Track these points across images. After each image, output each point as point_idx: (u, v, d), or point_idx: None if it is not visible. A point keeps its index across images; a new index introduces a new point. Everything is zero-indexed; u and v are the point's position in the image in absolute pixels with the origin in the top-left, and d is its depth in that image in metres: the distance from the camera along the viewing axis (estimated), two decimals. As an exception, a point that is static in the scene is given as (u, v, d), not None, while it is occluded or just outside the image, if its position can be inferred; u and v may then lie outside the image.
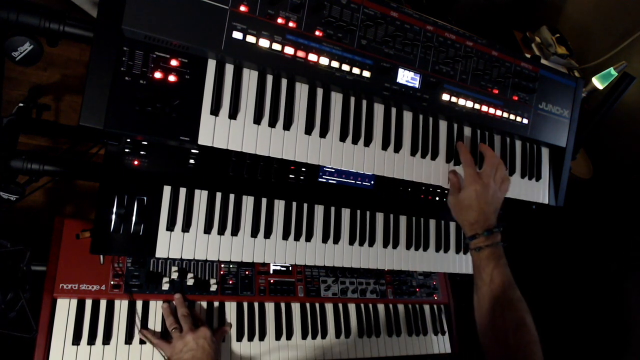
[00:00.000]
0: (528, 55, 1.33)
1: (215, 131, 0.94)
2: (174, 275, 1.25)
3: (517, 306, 1.02)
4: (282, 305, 1.38)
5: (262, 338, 1.32)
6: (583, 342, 2.42)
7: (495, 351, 1.00)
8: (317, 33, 1.00)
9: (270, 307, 1.36)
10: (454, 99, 1.17)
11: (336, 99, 1.08)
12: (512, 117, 1.27)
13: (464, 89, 1.19)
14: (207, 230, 1.09)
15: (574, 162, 1.54)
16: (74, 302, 1.16)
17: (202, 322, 1.23)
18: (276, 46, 0.96)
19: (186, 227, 1.07)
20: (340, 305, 1.47)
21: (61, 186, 2.03)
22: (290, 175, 1.23)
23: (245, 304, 1.33)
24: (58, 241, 1.18)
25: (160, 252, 1.04)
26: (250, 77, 0.99)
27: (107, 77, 0.85)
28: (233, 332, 1.29)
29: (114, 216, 1.02)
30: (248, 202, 1.16)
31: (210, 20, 0.89)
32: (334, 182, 1.29)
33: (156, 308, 1.23)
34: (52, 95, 2.09)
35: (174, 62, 0.91)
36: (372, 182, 1.34)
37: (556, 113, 1.35)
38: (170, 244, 1.06)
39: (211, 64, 0.95)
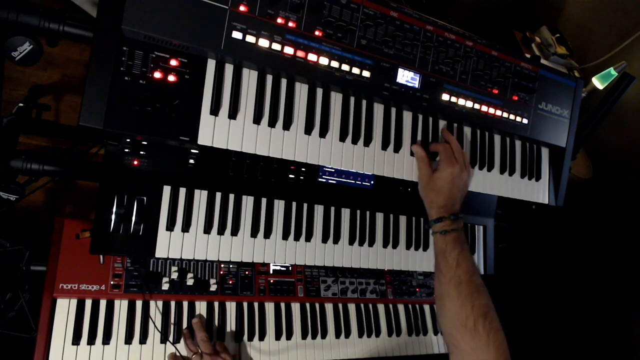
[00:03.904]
0: (528, 55, 1.33)
1: (215, 131, 0.94)
2: (174, 275, 1.25)
3: (483, 293, 1.01)
4: (282, 305, 1.38)
5: (261, 338, 1.31)
6: (582, 342, 2.42)
7: (462, 340, 0.97)
8: (316, 33, 1.00)
9: (270, 307, 1.36)
10: (453, 99, 1.17)
11: (336, 99, 1.08)
12: (512, 117, 1.27)
13: (463, 89, 1.18)
14: (207, 230, 1.09)
15: (574, 162, 1.54)
16: (74, 302, 1.16)
17: (222, 347, 1.23)
18: (276, 46, 0.96)
19: (186, 227, 1.07)
20: (340, 305, 1.46)
21: (61, 186, 2.03)
22: (290, 175, 1.23)
23: (245, 304, 1.33)
24: (58, 241, 1.18)
25: (160, 252, 1.04)
26: (250, 77, 0.99)
27: (106, 77, 0.85)
28: (233, 332, 1.29)
29: (113, 216, 1.02)
30: (248, 202, 1.16)
31: (210, 20, 0.89)
32: (334, 182, 1.29)
33: (156, 308, 1.23)
34: (52, 95, 2.09)
35: (173, 62, 0.91)
36: (372, 182, 1.34)
37: (556, 113, 1.35)
38: (170, 244, 1.06)
39: (211, 64, 0.95)
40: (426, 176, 1.13)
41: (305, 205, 1.23)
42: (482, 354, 0.94)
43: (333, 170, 1.28)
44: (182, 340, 1.22)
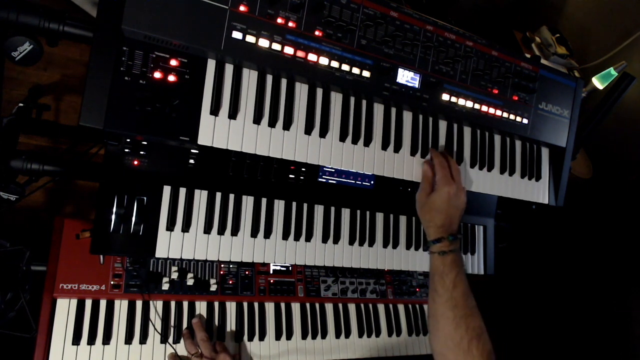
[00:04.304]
0: (528, 55, 1.33)
1: (215, 131, 0.94)
2: (174, 275, 1.25)
3: (477, 314, 1.02)
4: (282, 305, 1.38)
5: (262, 338, 1.31)
6: (582, 342, 2.42)
7: None
8: (316, 33, 1.00)
9: (270, 307, 1.36)
10: (453, 99, 1.17)
11: (336, 99, 1.08)
12: (512, 117, 1.27)
13: (463, 89, 1.18)
14: (207, 230, 1.09)
15: (574, 162, 1.54)
16: (74, 302, 1.16)
17: (222, 347, 1.23)
18: (276, 46, 0.96)
19: (186, 227, 1.07)
20: (340, 305, 1.47)
21: (61, 186, 2.03)
22: (290, 175, 1.23)
23: (245, 304, 1.33)
24: (58, 241, 1.18)
25: (160, 252, 1.04)
26: (250, 77, 0.99)
27: (107, 77, 0.85)
28: (233, 332, 1.29)
29: (113, 216, 1.02)
30: (248, 202, 1.16)
31: (210, 20, 0.89)
32: (334, 182, 1.29)
33: (156, 308, 1.23)
34: (52, 95, 2.09)
35: (173, 62, 0.91)
36: (372, 182, 1.34)
37: (556, 113, 1.35)
38: (170, 244, 1.06)
39: (211, 64, 0.95)
40: (424, 196, 1.13)
41: (305, 205, 1.23)
42: None
43: (333, 170, 1.28)
44: (182, 341, 1.22)
